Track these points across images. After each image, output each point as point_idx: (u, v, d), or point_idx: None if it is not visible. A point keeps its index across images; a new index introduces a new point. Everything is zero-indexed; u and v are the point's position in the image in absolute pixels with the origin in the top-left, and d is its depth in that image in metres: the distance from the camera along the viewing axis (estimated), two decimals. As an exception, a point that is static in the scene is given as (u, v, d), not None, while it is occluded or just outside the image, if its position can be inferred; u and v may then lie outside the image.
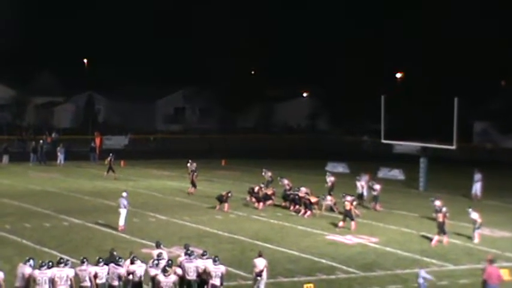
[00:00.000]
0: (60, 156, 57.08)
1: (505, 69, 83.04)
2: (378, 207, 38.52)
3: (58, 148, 57.93)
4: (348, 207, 33.36)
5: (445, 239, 30.64)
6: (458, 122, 43.83)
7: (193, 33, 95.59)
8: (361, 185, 39.74)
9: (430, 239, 31.12)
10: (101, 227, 32.95)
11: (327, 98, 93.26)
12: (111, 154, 50.22)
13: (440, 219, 30.80)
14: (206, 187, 45.46)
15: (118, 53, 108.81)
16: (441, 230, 30.74)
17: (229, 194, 37.82)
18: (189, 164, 49.08)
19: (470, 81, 79.00)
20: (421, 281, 22.06)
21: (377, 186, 38.91)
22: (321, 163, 57.69)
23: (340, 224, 33.37)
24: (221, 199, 37.56)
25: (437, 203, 33.41)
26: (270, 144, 77.51)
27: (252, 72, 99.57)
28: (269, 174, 44.04)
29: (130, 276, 20.94)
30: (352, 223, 33.10)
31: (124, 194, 33.07)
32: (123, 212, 32.18)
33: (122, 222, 32.12)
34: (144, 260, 21.71)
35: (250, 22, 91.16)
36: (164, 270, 20.51)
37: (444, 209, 31.33)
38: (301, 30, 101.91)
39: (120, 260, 21.05)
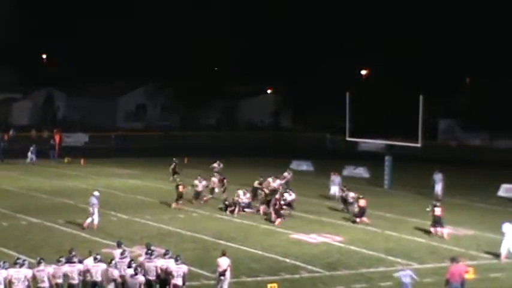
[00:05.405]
0: (31, 156, 56.68)
1: (470, 66, 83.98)
2: (365, 219, 34.93)
3: (31, 148, 57.41)
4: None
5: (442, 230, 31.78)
6: (423, 119, 44.17)
7: (154, 29, 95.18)
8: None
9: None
10: (60, 226, 32.69)
11: (291, 94, 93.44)
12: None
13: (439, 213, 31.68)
14: (168, 185, 45.24)
15: (78, 49, 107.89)
16: (439, 223, 31.69)
17: (182, 186, 37.72)
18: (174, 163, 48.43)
19: (435, 78, 79.76)
20: (407, 280, 22.14)
21: (352, 194, 37.12)
22: (285, 161, 57.74)
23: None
24: (180, 195, 37.60)
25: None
26: (233, 142, 77.46)
27: (215, 69, 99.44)
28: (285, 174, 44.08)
29: (88, 276, 20.87)
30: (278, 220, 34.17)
31: (96, 193, 32.94)
32: (93, 210, 32.03)
33: (89, 220, 32.03)
34: (104, 260, 21.60)
35: (213, 17, 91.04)
36: (135, 270, 20.54)
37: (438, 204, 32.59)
38: (265, 26, 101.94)
39: (74, 258, 20.97)
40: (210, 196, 39.46)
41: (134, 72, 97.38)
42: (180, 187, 38.07)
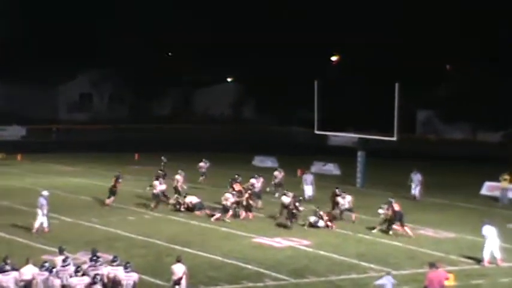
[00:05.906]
0: None
1: (450, 52, 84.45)
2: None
3: None
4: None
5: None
6: (400, 110, 44.39)
7: (100, 10, 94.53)
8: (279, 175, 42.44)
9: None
10: (-6, 230, 32.42)
11: (254, 83, 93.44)
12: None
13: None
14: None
15: (13, 30, 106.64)
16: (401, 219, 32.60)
17: (118, 181, 37.95)
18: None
19: (412, 65, 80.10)
20: (389, 286, 22.27)
21: (349, 198, 36.60)
22: (247, 157, 57.86)
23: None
24: (114, 191, 38.00)
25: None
26: (189, 135, 77.46)
27: (169, 54, 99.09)
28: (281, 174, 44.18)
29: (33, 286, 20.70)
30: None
31: (44, 192, 32.79)
32: (40, 212, 31.85)
33: (38, 223, 31.84)
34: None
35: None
36: (94, 279, 20.41)
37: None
38: (232, 10, 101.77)
39: (7, 266, 20.81)
40: (175, 196, 38.74)
41: (78, 57, 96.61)
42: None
